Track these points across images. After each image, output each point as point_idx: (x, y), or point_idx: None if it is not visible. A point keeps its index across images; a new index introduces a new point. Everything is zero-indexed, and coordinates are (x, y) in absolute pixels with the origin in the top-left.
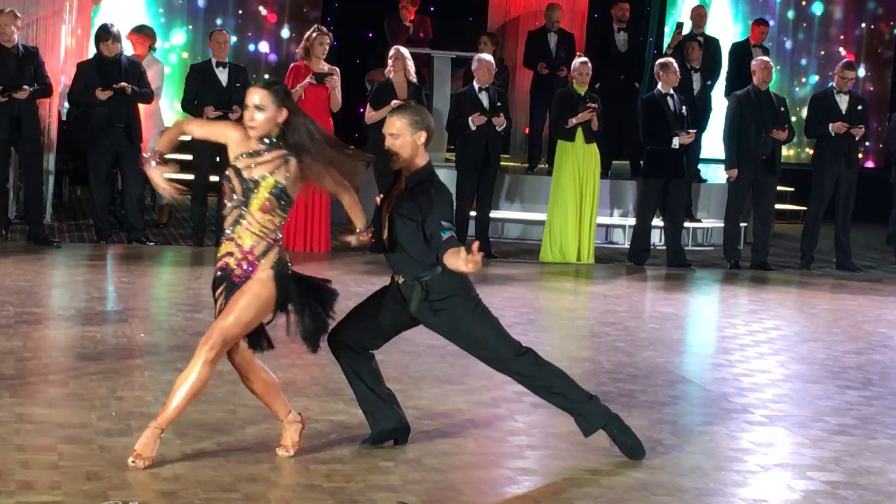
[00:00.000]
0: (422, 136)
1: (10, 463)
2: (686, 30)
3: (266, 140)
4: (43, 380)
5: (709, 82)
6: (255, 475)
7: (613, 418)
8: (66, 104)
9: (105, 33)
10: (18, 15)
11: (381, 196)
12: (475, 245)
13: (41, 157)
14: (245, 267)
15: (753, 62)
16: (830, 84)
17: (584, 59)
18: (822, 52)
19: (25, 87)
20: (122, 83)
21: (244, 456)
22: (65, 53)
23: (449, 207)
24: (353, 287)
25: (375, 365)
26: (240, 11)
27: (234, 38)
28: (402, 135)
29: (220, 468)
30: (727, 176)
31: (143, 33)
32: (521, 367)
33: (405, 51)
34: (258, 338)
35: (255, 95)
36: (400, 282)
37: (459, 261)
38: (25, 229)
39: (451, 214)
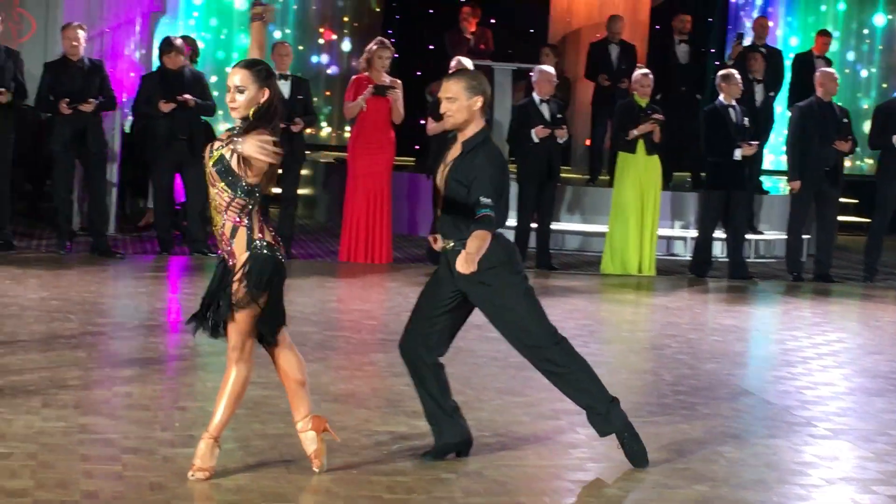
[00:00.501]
0: (478, 102)
1: (74, 473)
2: (746, 41)
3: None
4: (107, 390)
5: (772, 93)
6: (317, 486)
7: (629, 424)
8: (130, 116)
9: (168, 46)
10: (84, 28)
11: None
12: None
13: (105, 169)
14: (227, 251)
15: (818, 73)
16: (894, 95)
17: (646, 70)
18: (885, 64)
19: (91, 99)
20: (185, 96)
21: (306, 467)
22: (129, 66)
23: (498, 177)
24: (413, 299)
25: (444, 376)
26: (300, 25)
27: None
28: (458, 98)
29: (282, 479)
30: (790, 187)
31: (184, 42)
32: (555, 356)
33: (467, 61)
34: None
35: (237, 76)
36: (448, 247)
37: (467, 249)
38: (89, 241)
39: (499, 184)
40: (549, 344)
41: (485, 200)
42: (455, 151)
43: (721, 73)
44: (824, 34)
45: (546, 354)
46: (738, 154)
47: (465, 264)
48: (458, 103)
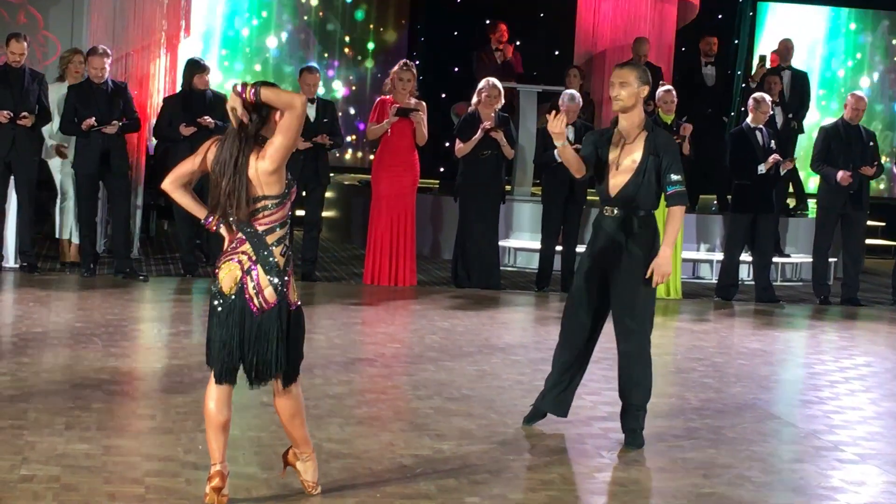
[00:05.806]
0: (644, 90)
1: (98, 495)
2: (769, 63)
3: None
4: (130, 412)
5: (790, 115)
6: None
7: None
8: (154, 139)
9: (193, 66)
10: (109, 53)
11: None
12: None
13: (129, 191)
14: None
15: (847, 96)
16: None
17: (668, 87)
18: None
19: (114, 121)
20: (206, 118)
21: (330, 490)
22: (153, 88)
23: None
24: (438, 322)
25: (583, 364)
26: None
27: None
28: (631, 84)
29: (305, 501)
30: (839, 181)
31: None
32: (643, 341)
33: (498, 83)
34: None
35: None
36: (613, 213)
37: (669, 233)
38: (113, 263)
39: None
40: (646, 329)
41: (676, 177)
42: (636, 132)
43: (753, 96)
44: None
45: (648, 338)
46: (762, 168)
47: (664, 266)
48: (629, 89)
